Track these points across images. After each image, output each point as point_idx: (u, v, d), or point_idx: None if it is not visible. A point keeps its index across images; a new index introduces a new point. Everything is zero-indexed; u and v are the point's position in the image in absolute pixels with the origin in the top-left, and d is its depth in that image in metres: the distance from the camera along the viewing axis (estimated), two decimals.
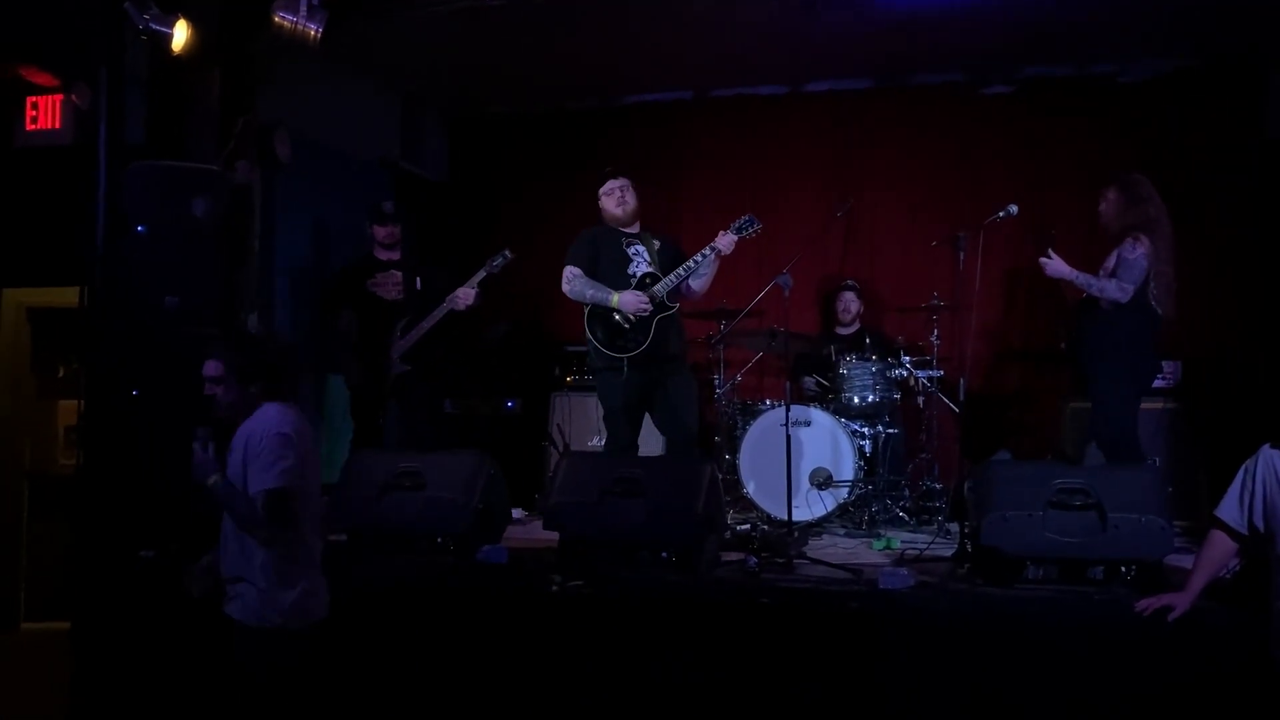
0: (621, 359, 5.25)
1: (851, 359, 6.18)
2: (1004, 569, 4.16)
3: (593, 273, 5.37)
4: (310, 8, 4.87)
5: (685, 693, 4.05)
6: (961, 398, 5.30)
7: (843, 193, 7.19)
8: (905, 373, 6.24)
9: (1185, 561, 3.96)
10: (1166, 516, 4.09)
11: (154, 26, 4.65)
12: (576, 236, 5.52)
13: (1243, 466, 3.54)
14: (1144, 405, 5.30)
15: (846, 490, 5.88)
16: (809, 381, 6.65)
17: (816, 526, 5.81)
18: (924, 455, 6.34)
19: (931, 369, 6.27)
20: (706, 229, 5.37)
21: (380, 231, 6.31)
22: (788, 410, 5.38)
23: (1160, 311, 5.04)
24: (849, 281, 7.12)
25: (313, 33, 4.91)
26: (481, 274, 6.03)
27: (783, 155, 7.75)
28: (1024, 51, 7.06)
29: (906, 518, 6.04)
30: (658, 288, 5.27)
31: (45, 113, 5.89)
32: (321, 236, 7.10)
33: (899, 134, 7.56)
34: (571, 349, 7.11)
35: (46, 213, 5.75)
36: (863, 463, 5.99)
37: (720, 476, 5.04)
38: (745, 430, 6.04)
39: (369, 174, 7.62)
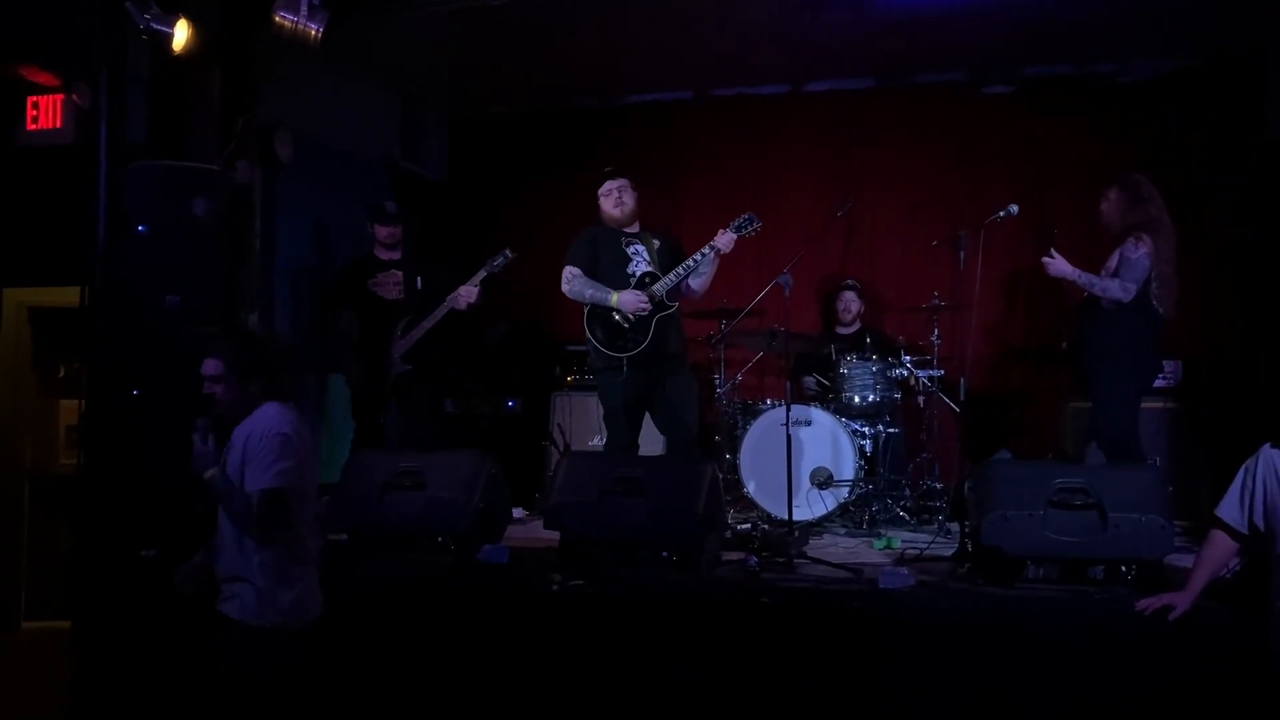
0: (621, 358, 5.25)
1: (852, 358, 6.18)
2: (1004, 568, 4.16)
3: (592, 272, 5.37)
4: (311, 7, 4.88)
5: (686, 692, 4.05)
6: (962, 397, 5.30)
7: (843, 192, 7.19)
8: (906, 372, 6.24)
9: (1186, 561, 3.96)
10: (1167, 516, 4.09)
11: (155, 26, 4.66)
12: (576, 236, 5.53)
13: (1243, 466, 3.54)
14: (1144, 405, 5.30)
15: (847, 490, 5.88)
16: (809, 381, 6.65)
17: (817, 526, 5.81)
18: (924, 455, 6.34)
19: (932, 368, 6.26)
20: (707, 228, 5.37)
21: (382, 231, 6.31)
22: (788, 410, 5.38)
23: (1161, 311, 5.05)
24: (849, 281, 7.12)
25: (313, 32, 4.91)
26: (482, 273, 6.04)
27: (783, 155, 7.75)
28: (1024, 51, 7.06)
29: (907, 517, 6.04)
30: (657, 287, 5.27)
31: (46, 112, 5.90)
32: (322, 236, 7.10)
33: (899, 134, 7.56)
34: (572, 349, 7.12)
35: (47, 212, 5.75)
36: (863, 462, 5.99)
37: (721, 476, 5.04)
38: (746, 430, 6.04)
39: (369, 173, 7.63)
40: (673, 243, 5.59)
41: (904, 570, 4.30)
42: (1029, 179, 7.12)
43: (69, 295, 4.85)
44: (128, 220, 4.67)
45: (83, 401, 4.81)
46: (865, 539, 5.56)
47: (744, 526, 5.62)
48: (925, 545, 5.12)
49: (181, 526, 4.19)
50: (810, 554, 4.86)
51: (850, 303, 7.00)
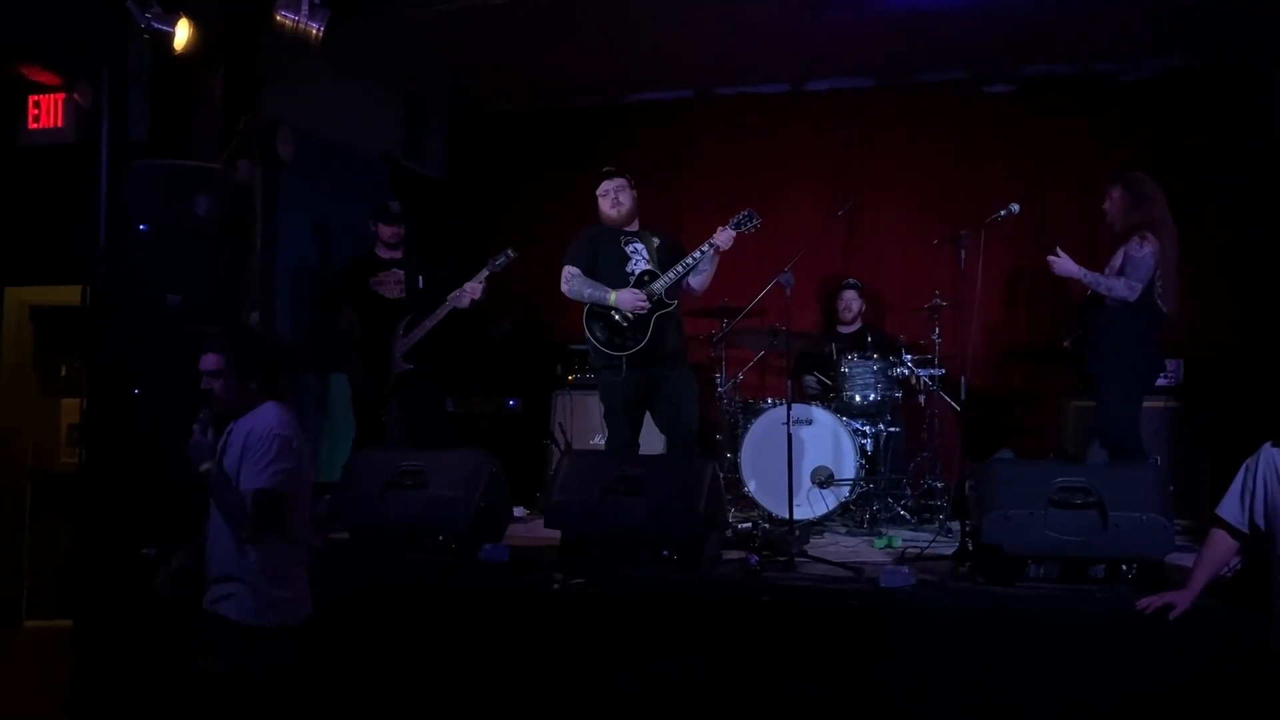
0: (620, 357, 5.25)
1: (853, 357, 6.19)
2: (1005, 567, 4.16)
3: (591, 272, 5.37)
4: (312, 7, 4.88)
5: (687, 691, 4.05)
6: (963, 396, 5.31)
7: (844, 191, 7.20)
8: (907, 371, 6.24)
9: (1186, 560, 3.96)
10: (1168, 515, 4.09)
11: (156, 25, 4.66)
12: (576, 236, 5.53)
13: (1244, 465, 3.55)
14: (1146, 404, 5.30)
15: (848, 489, 5.88)
16: (810, 380, 6.66)
17: (818, 525, 5.81)
18: (925, 454, 6.34)
19: (933, 367, 6.26)
20: (707, 228, 5.37)
21: (386, 231, 6.32)
22: (789, 409, 5.38)
23: (1165, 310, 5.05)
24: (850, 280, 7.11)
25: (314, 31, 4.92)
26: (485, 273, 6.05)
27: (784, 154, 7.75)
28: (1025, 50, 7.06)
29: (908, 516, 6.04)
30: (656, 285, 5.27)
31: (47, 112, 5.89)
32: (323, 235, 7.11)
33: (900, 133, 7.56)
34: (573, 347, 7.11)
35: (49, 211, 5.75)
36: (864, 461, 5.99)
37: (722, 475, 5.05)
38: (747, 429, 6.04)
39: (371, 173, 7.63)
40: (673, 241, 5.59)
41: (905, 569, 4.29)
42: (1030, 178, 7.12)
43: (70, 294, 4.85)
44: (129, 219, 4.67)
45: (84, 400, 4.82)
46: (866, 538, 5.56)
47: (745, 525, 5.62)
48: (926, 544, 5.12)
49: (182, 525, 4.20)
50: (811, 553, 4.87)
51: (851, 302, 7.00)
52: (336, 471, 5.26)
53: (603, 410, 5.48)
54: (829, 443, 5.95)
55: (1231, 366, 6.61)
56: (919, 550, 5.00)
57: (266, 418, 3.42)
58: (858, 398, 6.09)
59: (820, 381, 6.55)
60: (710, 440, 6.56)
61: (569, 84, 7.78)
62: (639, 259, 5.40)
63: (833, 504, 5.87)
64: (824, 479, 5.89)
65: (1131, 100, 7.14)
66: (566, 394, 7.13)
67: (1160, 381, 5.54)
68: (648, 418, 5.47)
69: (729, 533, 5.16)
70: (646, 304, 5.23)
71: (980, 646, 3.91)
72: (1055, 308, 6.80)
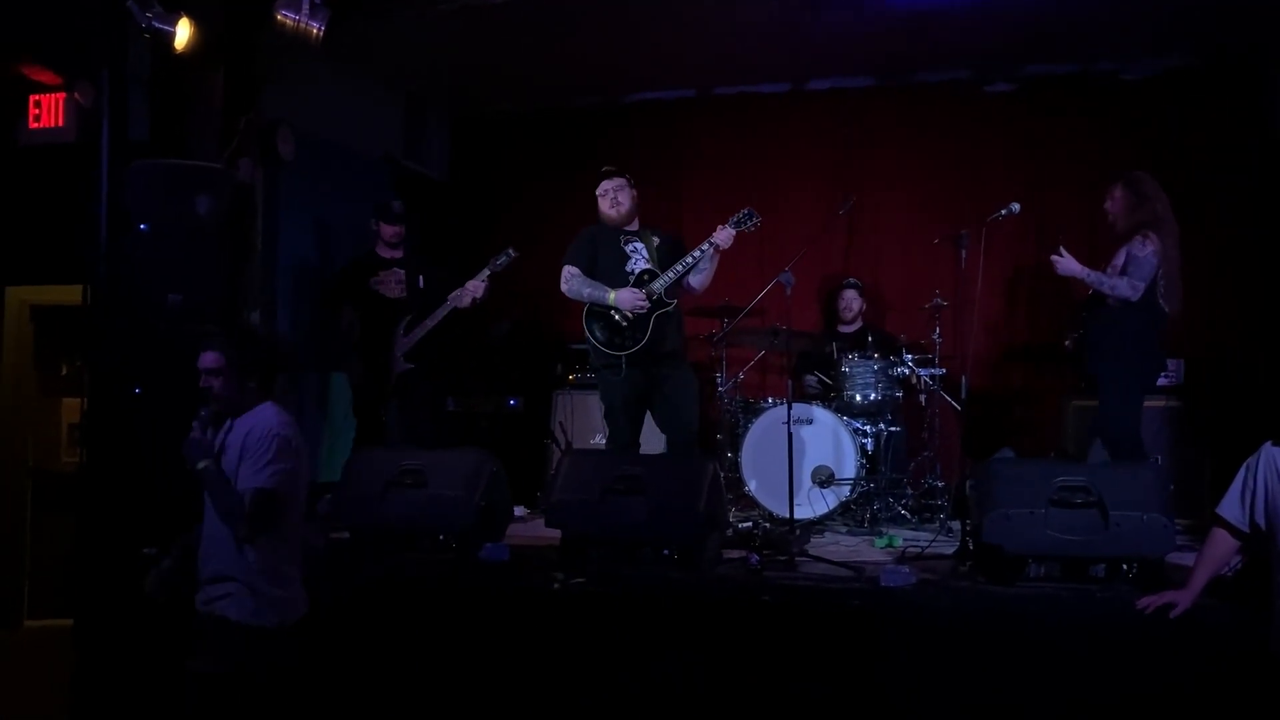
0: (619, 357, 5.25)
1: (853, 357, 6.19)
2: (1006, 567, 4.16)
3: (591, 271, 5.37)
4: (312, 6, 4.88)
5: (687, 691, 4.05)
6: (964, 396, 5.32)
7: (845, 190, 7.18)
8: (907, 370, 6.24)
9: (1187, 559, 3.96)
10: (1168, 514, 4.09)
11: (156, 25, 4.66)
12: (576, 235, 5.53)
13: (1244, 464, 3.55)
14: (1146, 403, 5.30)
15: (848, 488, 5.88)
16: (811, 379, 6.66)
17: (818, 524, 5.81)
18: (926, 453, 6.34)
19: (933, 367, 6.26)
20: (708, 227, 5.36)
21: (388, 230, 6.32)
22: (790, 408, 5.39)
23: (1167, 309, 5.05)
24: (851, 279, 7.11)
25: (315, 31, 4.92)
26: (486, 272, 6.05)
27: (785, 153, 7.75)
28: (1025, 50, 7.05)
29: (908, 515, 6.04)
30: (655, 284, 5.27)
31: (48, 111, 5.90)
32: (324, 234, 7.11)
33: (901, 132, 7.55)
34: (574, 347, 7.11)
35: (49, 211, 5.76)
36: (865, 460, 5.99)
37: (722, 474, 5.05)
38: (747, 428, 6.04)
39: (371, 172, 7.63)
40: (673, 240, 5.59)
41: (905, 569, 4.29)
42: (1030, 177, 7.13)
43: (71, 293, 4.86)
44: (130, 219, 4.66)
45: (85, 399, 4.82)
46: (867, 537, 5.57)
47: (745, 525, 5.63)
48: (927, 543, 5.13)
49: (183, 525, 4.20)
50: (812, 552, 4.87)
51: (852, 301, 7.00)
52: (337, 471, 5.26)
53: (603, 410, 5.48)
54: (829, 442, 5.95)
55: (1232, 366, 6.61)
56: (919, 550, 5.00)
57: (266, 417, 3.43)
58: (858, 397, 6.10)
59: (821, 381, 6.55)
60: (711, 439, 6.57)
61: (569, 84, 7.78)
62: (639, 258, 5.40)
63: (833, 503, 5.87)
64: (825, 478, 5.89)
65: (1132, 100, 7.14)
66: (567, 393, 7.13)
67: (1161, 381, 5.54)
68: (648, 417, 5.47)
69: (730, 532, 5.16)
70: (646, 303, 5.23)
71: (981, 646, 3.91)
72: (1056, 307, 6.80)
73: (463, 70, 7.47)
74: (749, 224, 5.31)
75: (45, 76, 5.87)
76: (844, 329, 7.01)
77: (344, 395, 6.51)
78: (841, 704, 3.93)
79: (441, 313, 6.08)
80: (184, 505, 3.80)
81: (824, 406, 6.08)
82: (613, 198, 5.43)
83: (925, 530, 5.74)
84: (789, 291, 5.33)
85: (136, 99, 4.93)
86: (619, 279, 5.33)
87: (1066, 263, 5.12)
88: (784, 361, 6.87)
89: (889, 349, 6.34)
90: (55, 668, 4.87)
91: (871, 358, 6.16)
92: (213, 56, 4.92)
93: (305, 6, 4.86)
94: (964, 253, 5.62)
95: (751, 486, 5.96)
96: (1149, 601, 3.73)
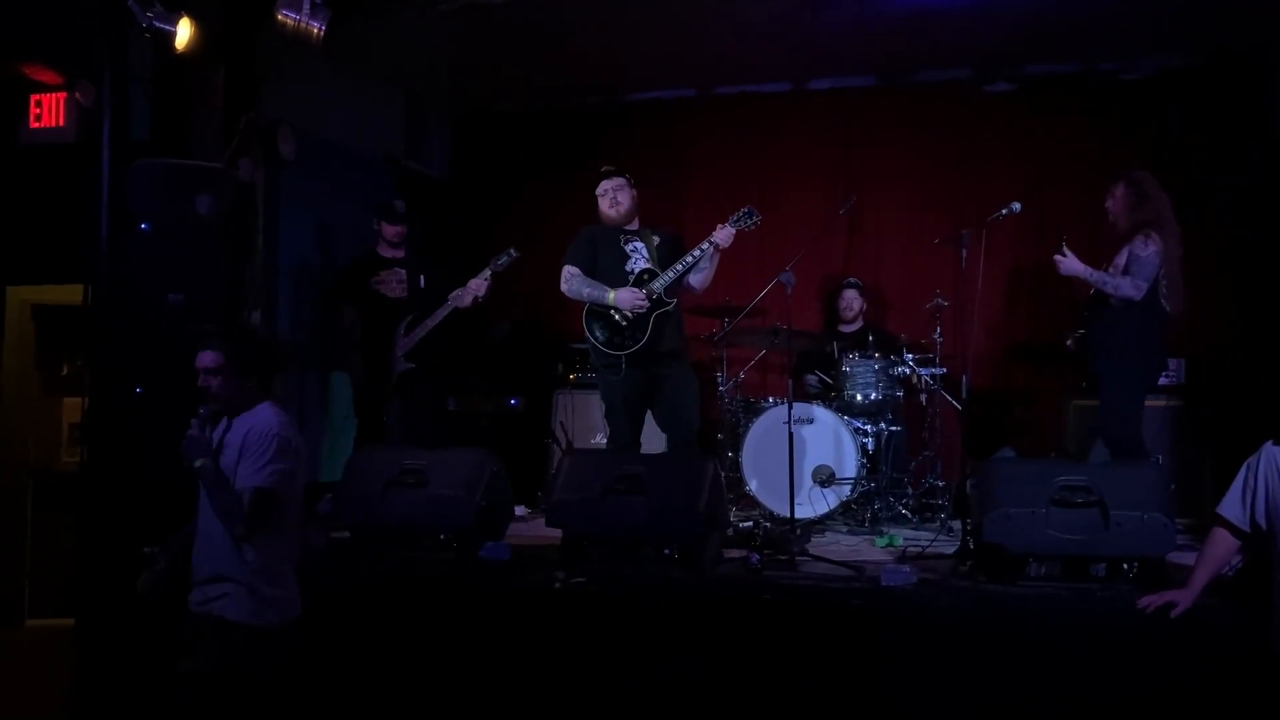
0: (619, 356, 5.25)
1: (854, 356, 6.19)
2: (1006, 566, 4.16)
3: (591, 271, 5.37)
4: (313, 6, 4.89)
5: (688, 690, 4.05)
6: (964, 395, 5.31)
7: (845, 190, 7.20)
8: (908, 370, 6.24)
9: (1188, 559, 3.96)
10: (1169, 514, 4.09)
11: (157, 24, 4.66)
12: (576, 235, 5.53)
13: (1245, 464, 3.55)
14: (1147, 402, 5.30)
15: (849, 487, 5.88)
16: (811, 379, 6.66)
17: (819, 524, 5.81)
18: (927, 453, 6.34)
19: (934, 366, 6.26)
20: (708, 227, 5.36)
21: (390, 230, 6.32)
22: (790, 408, 5.38)
23: (1169, 309, 5.06)
24: (851, 279, 7.11)
25: (316, 31, 4.92)
26: (487, 272, 6.05)
27: (785, 153, 7.75)
28: (1026, 50, 7.05)
29: (909, 515, 6.04)
30: (655, 284, 5.26)
31: (49, 110, 5.91)
32: (325, 234, 7.11)
33: (901, 132, 7.55)
34: (574, 346, 7.11)
35: (50, 210, 5.76)
36: (865, 460, 5.99)
37: (723, 474, 5.05)
38: (748, 428, 6.04)
39: (372, 171, 7.63)
40: (673, 239, 5.58)
41: (906, 568, 4.29)
42: (1031, 177, 7.13)
43: (72, 293, 4.87)
44: (131, 218, 4.67)
45: (86, 399, 4.82)
46: (867, 537, 5.57)
47: (746, 524, 5.63)
48: (927, 543, 5.13)
49: (183, 525, 4.20)
50: (812, 552, 4.87)
51: (852, 301, 7.00)
52: (337, 470, 5.26)
53: (603, 409, 5.48)
54: (830, 441, 5.95)
55: (1232, 366, 6.60)
56: (920, 549, 5.00)
57: (265, 417, 3.43)
58: (859, 397, 6.10)
59: (821, 380, 6.56)
60: (712, 439, 6.57)
61: (569, 83, 7.78)
62: (638, 258, 5.40)
63: (834, 503, 5.87)
64: (825, 478, 5.89)
65: (1132, 100, 7.13)
66: (568, 393, 7.13)
67: (1161, 380, 5.54)
68: (649, 417, 5.47)
69: (730, 531, 5.16)
70: (645, 303, 5.23)
71: (981, 645, 3.91)
72: (1056, 307, 6.81)
73: (463, 70, 7.47)
74: (749, 222, 5.31)
75: (46, 76, 5.88)
76: (845, 328, 7.01)
77: (345, 394, 6.51)
78: (842, 703, 3.94)
79: (442, 313, 6.08)
80: (185, 505, 3.81)
81: (825, 406, 6.08)
82: (612, 197, 5.43)
83: (926, 530, 5.74)
84: (789, 291, 5.32)
85: (137, 99, 4.94)
86: (619, 279, 5.33)
87: (1069, 262, 5.12)
88: (785, 361, 6.86)
89: (890, 348, 6.34)
90: (56, 667, 4.88)
91: (872, 357, 6.16)
92: (213, 56, 4.93)
93: (306, 6, 4.87)
94: (964, 252, 5.61)
95: (752, 486, 5.96)
96: (1149, 601, 3.73)
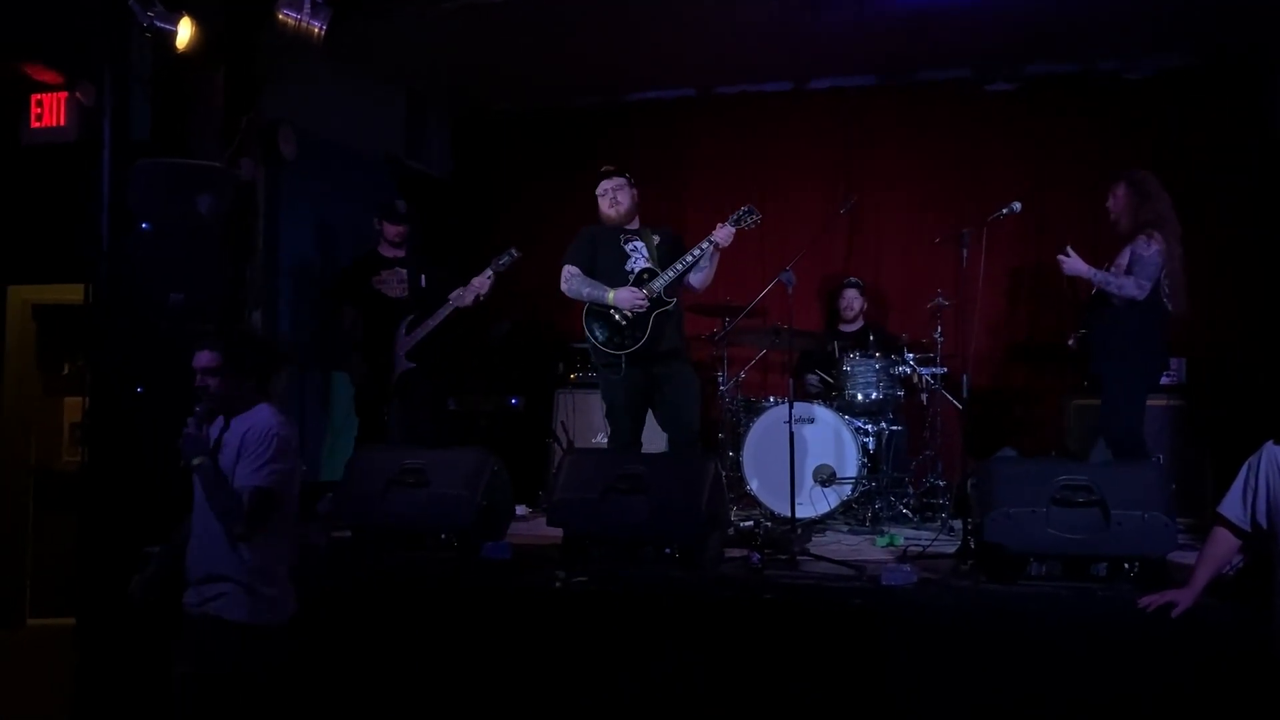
0: (619, 356, 5.25)
1: (855, 356, 6.19)
2: (1007, 565, 4.16)
3: (591, 271, 5.37)
4: (314, 5, 4.89)
5: (688, 690, 4.05)
6: (965, 394, 5.31)
7: (846, 189, 7.20)
8: (909, 369, 6.24)
9: (1188, 558, 3.96)
10: (1170, 513, 4.09)
11: (158, 24, 4.67)
12: (576, 235, 5.53)
13: (1246, 463, 3.55)
14: (1148, 402, 5.30)
15: (850, 487, 5.88)
16: (812, 378, 6.66)
17: (820, 523, 5.82)
18: (927, 452, 6.34)
19: (935, 366, 6.26)
20: (709, 226, 5.36)
21: (391, 230, 6.32)
22: (791, 407, 5.39)
23: (1171, 308, 5.06)
24: (852, 279, 7.11)
25: (316, 30, 4.93)
26: (489, 271, 6.05)
27: (786, 153, 7.74)
28: (1026, 49, 7.05)
29: (910, 514, 6.04)
30: (655, 283, 5.26)
31: (50, 110, 5.90)
32: (325, 233, 7.11)
33: (902, 131, 7.55)
34: (575, 346, 7.10)
35: (51, 210, 5.76)
36: (866, 459, 5.99)
37: (724, 473, 5.05)
38: (749, 427, 6.04)
39: (373, 171, 7.62)
40: (673, 238, 5.58)
41: (907, 567, 4.29)
42: (1031, 177, 7.12)
43: (73, 293, 4.88)
44: (131, 218, 4.68)
45: (87, 398, 4.83)
46: (868, 536, 5.57)
47: (747, 524, 5.62)
48: (928, 542, 5.13)
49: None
50: (813, 551, 4.86)
51: (853, 300, 7.00)
52: (338, 470, 5.26)
53: (604, 409, 5.48)
54: (831, 441, 5.95)
55: (1233, 365, 6.61)
56: (921, 548, 5.00)
57: (264, 416, 3.43)
58: (860, 396, 6.10)
59: (822, 380, 6.56)
60: (712, 439, 6.57)
61: (570, 83, 7.78)
62: (638, 257, 5.40)
63: (835, 502, 5.87)
64: (826, 477, 5.89)
65: (1132, 100, 7.13)
66: (568, 393, 7.13)
67: (1162, 380, 5.54)
68: (650, 416, 5.47)
69: (731, 531, 5.16)
70: (645, 302, 5.23)
71: (982, 645, 3.91)
72: (1057, 306, 6.81)
73: (463, 70, 7.47)
74: (749, 221, 5.31)
75: (47, 76, 5.88)
76: (845, 328, 7.01)
77: (346, 394, 6.51)
78: (843, 703, 3.94)
79: (443, 312, 6.08)
80: (186, 505, 3.82)
81: (825, 405, 6.08)
82: (612, 197, 5.43)
83: (927, 529, 5.74)
84: (790, 290, 5.32)
85: (138, 98, 4.95)
86: (619, 278, 5.33)
87: (1073, 262, 5.12)
88: (785, 360, 6.87)
89: (890, 348, 6.34)
90: (57, 667, 4.89)
91: (873, 357, 6.16)
92: (214, 56, 4.94)
93: (307, 6, 4.87)
94: (965, 252, 5.61)
95: (753, 485, 5.96)
96: (1150, 600, 3.73)
